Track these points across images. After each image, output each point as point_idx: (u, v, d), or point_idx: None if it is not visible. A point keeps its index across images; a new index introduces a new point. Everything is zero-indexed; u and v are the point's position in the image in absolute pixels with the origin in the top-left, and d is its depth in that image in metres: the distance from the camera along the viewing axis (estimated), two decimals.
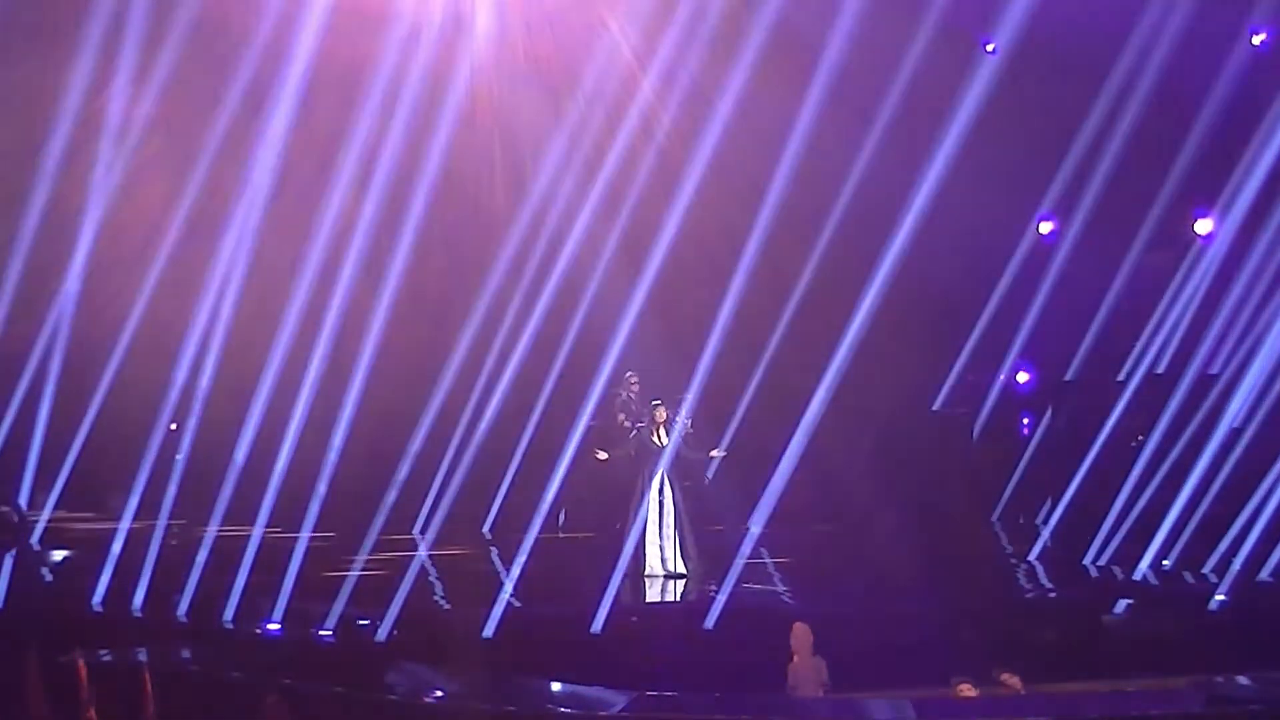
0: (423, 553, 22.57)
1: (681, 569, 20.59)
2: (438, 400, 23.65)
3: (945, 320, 27.16)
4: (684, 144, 24.55)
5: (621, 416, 22.95)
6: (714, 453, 22.13)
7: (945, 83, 24.48)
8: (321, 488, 20.80)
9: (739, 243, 25.31)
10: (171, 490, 21.59)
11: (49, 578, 20.64)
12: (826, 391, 23.32)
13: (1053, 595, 21.04)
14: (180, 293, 23.87)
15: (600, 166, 24.31)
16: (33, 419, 22.34)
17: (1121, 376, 25.88)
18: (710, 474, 25.31)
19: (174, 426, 22.57)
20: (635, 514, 20.66)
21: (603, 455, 21.51)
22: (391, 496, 21.62)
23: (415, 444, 23.03)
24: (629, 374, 23.02)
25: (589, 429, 23.08)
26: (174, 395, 22.12)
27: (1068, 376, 26.79)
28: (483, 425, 24.64)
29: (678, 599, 19.99)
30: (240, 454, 20.94)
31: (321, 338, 21.83)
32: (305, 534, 20.39)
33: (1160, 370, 25.15)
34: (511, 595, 19.03)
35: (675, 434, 21.13)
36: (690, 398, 22.25)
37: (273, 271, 22.05)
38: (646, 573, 20.52)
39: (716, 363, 23.94)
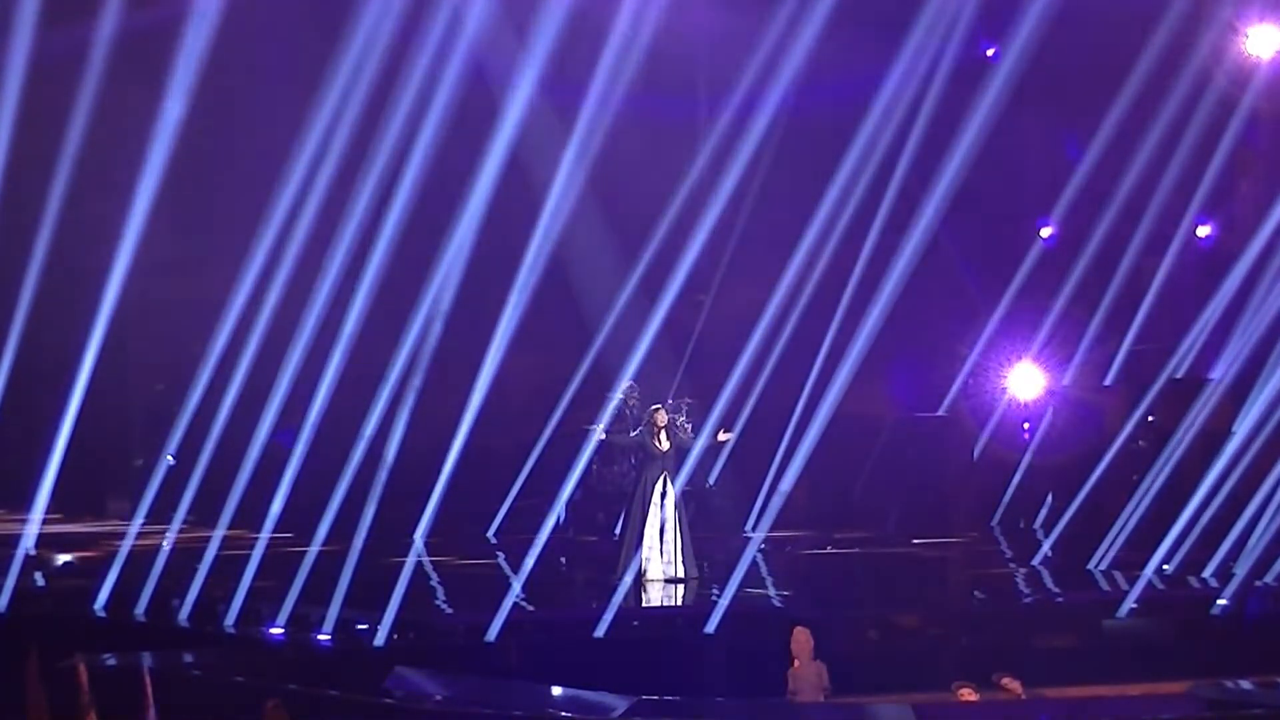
0: (425, 557, 22.59)
1: (682, 573, 20.57)
2: (439, 402, 23.63)
3: (949, 324, 27.18)
4: (683, 147, 24.59)
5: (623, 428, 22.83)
6: (723, 435, 21.99)
7: (951, 86, 24.52)
8: (329, 492, 20.79)
9: (740, 246, 25.38)
10: (182, 494, 21.59)
11: (41, 582, 20.64)
12: (829, 395, 23.34)
13: (1054, 600, 21.02)
14: (186, 295, 23.94)
15: (614, 178, 24.40)
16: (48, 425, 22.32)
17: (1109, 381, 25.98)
18: (713, 478, 25.33)
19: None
20: (636, 518, 20.64)
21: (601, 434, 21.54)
22: (393, 499, 21.59)
23: (419, 447, 23.00)
24: (630, 384, 22.94)
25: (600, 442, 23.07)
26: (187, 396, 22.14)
27: (1066, 381, 26.82)
28: (488, 428, 24.65)
29: (679, 603, 19.97)
30: (250, 459, 20.96)
31: (336, 346, 21.88)
32: (314, 538, 20.42)
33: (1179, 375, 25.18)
34: (515, 599, 19.01)
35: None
36: (691, 402, 22.27)
37: (284, 274, 22.05)
38: (647, 577, 20.50)
39: (719, 367, 23.99)
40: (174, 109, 21.37)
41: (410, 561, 21.31)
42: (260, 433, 21.12)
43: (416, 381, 22.14)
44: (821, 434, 22.92)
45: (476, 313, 23.54)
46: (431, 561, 22.57)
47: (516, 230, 23.32)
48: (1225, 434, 22.81)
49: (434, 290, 22.15)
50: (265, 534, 20.55)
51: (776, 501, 21.77)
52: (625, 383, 22.95)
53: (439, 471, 22.46)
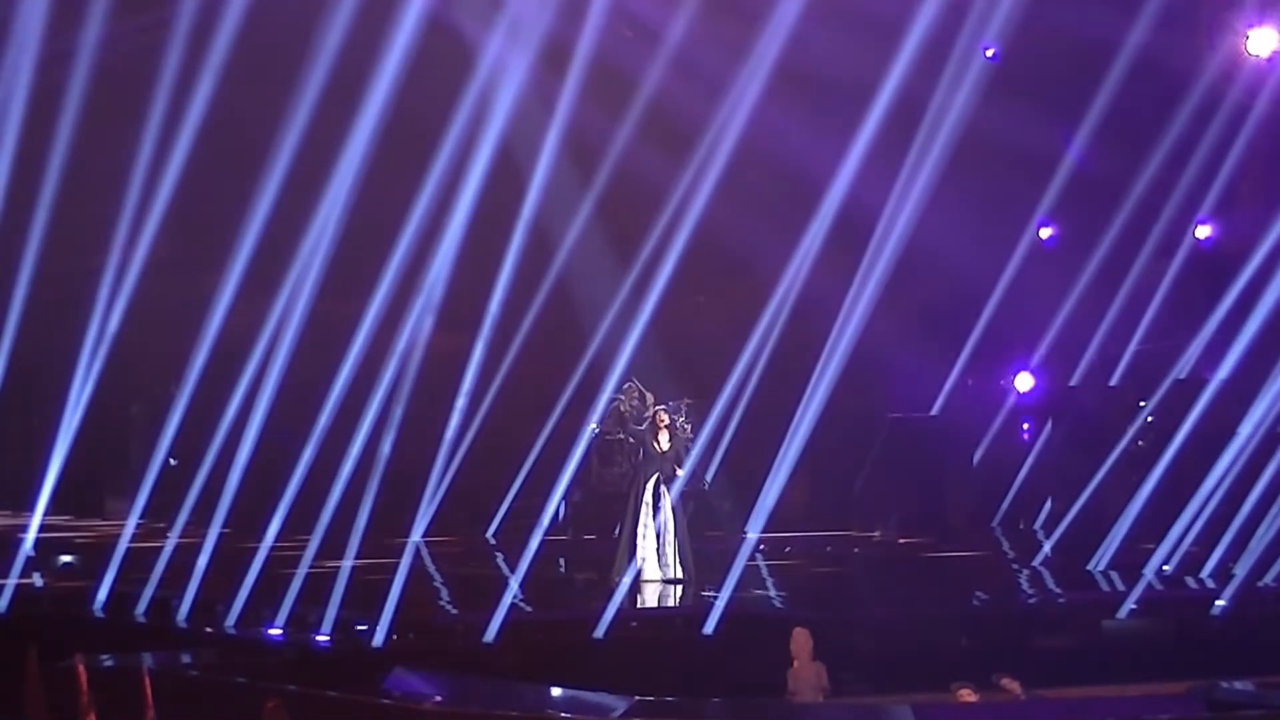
0: (425, 557, 22.59)
1: (679, 574, 20.56)
2: (439, 402, 23.66)
3: (946, 324, 27.18)
4: (676, 148, 24.61)
5: (620, 433, 22.78)
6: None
7: (945, 86, 24.52)
8: (330, 493, 20.81)
9: (737, 245, 25.37)
10: (183, 494, 21.62)
11: (40, 583, 20.65)
12: (826, 395, 23.36)
13: (1053, 600, 21.02)
14: (189, 299, 23.94)
15: (610, 183, 24.43)
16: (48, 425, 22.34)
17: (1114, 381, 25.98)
18: (710, 479, 25.33)
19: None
20: (634, 519, 20.64)
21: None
22: (393, 500, 21.61)
23: (419, 447, 23.03)
24: (628, 384, 22.93)
25: (595, 438, 23.07)
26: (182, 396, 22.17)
27: (1072, 382, 26.80)
28: (489, 429, 24.67)
29: (677, 604, 19.97)
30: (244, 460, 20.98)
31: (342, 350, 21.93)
32: (312, 539, 20.43)
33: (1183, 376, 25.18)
34: (514, 599, 19.02)
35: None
36: (691, 402, 22.28)
37: (282, 273, 22.09)
38: (645, 577, 20.49)
39: (715, 366, 23.99)
40: (176, 108, 21.47)
41: (408, 561, 21.31)
42: (255, 431, 21.16)
43: (410, 377, 22.18)
44: (821, 434, 22.91)
45: (472, 311, 23.63)
46: (432, 561, 22.58)
47: (513, 228, 23.37)
48: (1228, 434, 22.80)
49: (426, 287, 22.21)
50: (266, 535, 20.58)
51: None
52: (625, 383, 22.98)
53: (435, 471, 22.53)
